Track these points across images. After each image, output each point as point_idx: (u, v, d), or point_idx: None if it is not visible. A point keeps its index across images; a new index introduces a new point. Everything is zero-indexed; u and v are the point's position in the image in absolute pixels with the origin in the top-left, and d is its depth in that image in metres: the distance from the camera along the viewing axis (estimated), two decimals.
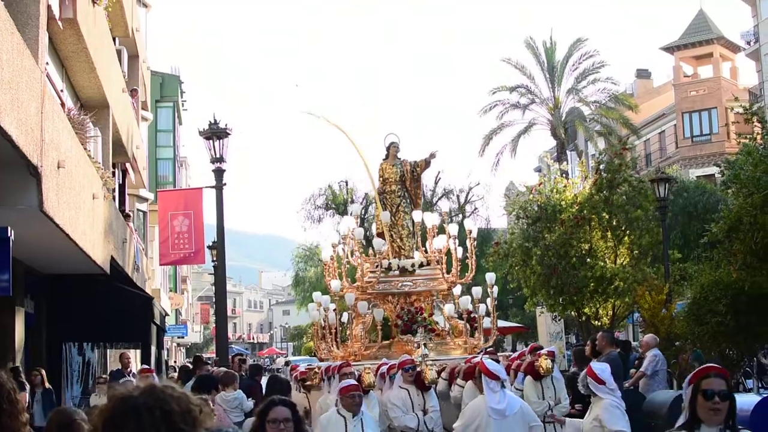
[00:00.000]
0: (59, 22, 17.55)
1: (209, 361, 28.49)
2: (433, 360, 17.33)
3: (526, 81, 59.80)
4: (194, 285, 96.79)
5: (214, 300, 39.94)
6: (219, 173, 24.92)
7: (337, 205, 69.00)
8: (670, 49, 69.32)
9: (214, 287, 37.71)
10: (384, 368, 16.16)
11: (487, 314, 20.39)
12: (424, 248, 21.44)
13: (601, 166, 33.68)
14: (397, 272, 20.62)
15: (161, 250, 33.09)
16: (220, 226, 25.67)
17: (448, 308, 20.34)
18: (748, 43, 63.05)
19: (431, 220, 21.58)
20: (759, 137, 26.36)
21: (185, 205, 31.97)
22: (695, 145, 65.77)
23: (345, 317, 20.71)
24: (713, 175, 53.60)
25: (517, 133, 59.87)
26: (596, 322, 32.87)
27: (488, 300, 20.04)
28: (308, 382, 18.45)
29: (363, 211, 68.24)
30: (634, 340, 42.34)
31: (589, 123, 58.98)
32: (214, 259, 35.33)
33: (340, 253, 21.65)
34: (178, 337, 71.90)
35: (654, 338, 22.83)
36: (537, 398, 14.84)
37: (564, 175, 36.57)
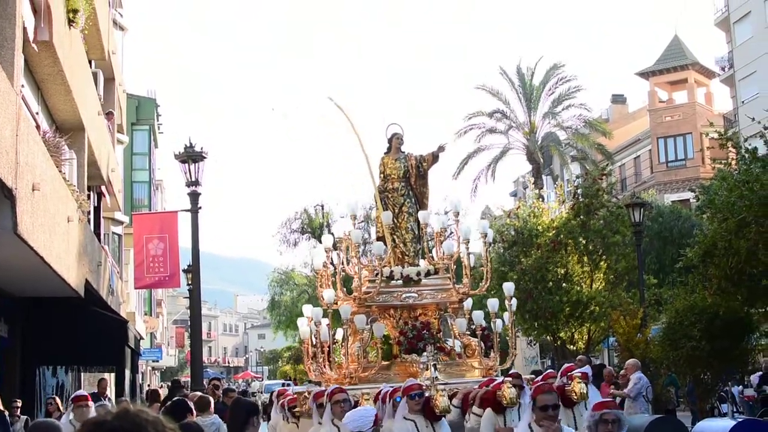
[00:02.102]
0: (34, 45, 17.51)
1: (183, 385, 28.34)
2: (444, 384, 14.96)
3: (501, 106, 59.90)
4: (169, 308, 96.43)
5: (189, 323, 39.88)
6: (194, 196, 24.85)
7: (313, 229, 69.04)
8: (645, 74, 69.67)
9: (189, 311, 37.61)
10: (386, 388, 13.82)
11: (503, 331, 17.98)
12: (430, 254, 18.91)
13: (579, 191, 33.81)
14: (399, 282, 17.94)
15: (136, 274, 32.99)
16: (195, 249, 25.58)
17: (460, 323, 17.62)
18: (723, 68, 63.43)
19: (440, 222, 19.30)
20: (734, 162, 26.51)
21: (160, 228, 31.91)
22: (670, 170, 66.04)
23: (339, 334, 18.15)
24: (688, 200, 53.86)
25: (493, 157, 59.90)
26: (571, 346, 32.93)
27: (506, 315, 17.54)
28: (297, 409, 16.34)
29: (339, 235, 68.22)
30: (609, 365, 42.44)
31: (564, 148, 59.13)
32: (189, 282, 35.18)
33: (334, 260, 18.48)
34: (153, 361, 71.64)
35: (637, 363, 22.93)
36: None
37: (540, 200, 36.71)
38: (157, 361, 74.31)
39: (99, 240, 27.55)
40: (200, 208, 25.04)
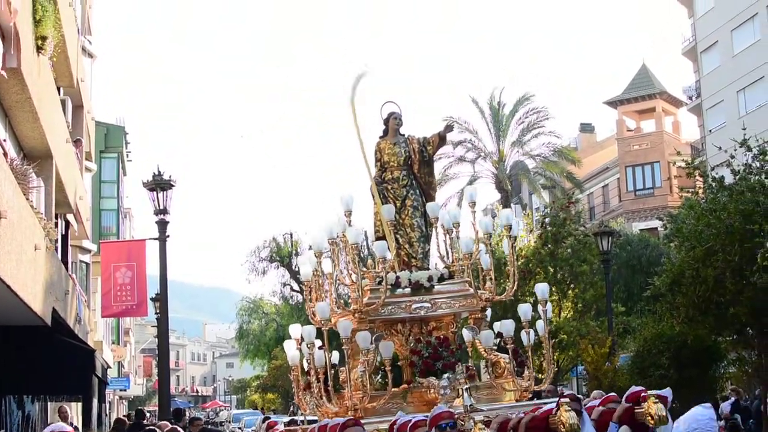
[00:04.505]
0: (3, 72, 17.43)
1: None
2: (479, 411, 12.56)
3: (470, 136, 59.94)
4: (137, 337, 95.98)
5: (157, 352, 39.72)
6: (163, 225, 24.79)
7: (282, 257, 69.14)
8: (613, 103, 70.09)
9: (157, 339, 37.45)
10: (402, 418, 11.54)
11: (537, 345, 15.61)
12: (440, 255, 15.98)
13: (546, 220, 33.90)
14: (407, 289, 14.95)
15: (103, 302, 32.82)
16: (163, 277, 25.50)
17: (486, 337, 14.59)
18: (690, 98, 63.87)
19: (453, 215, 15.86)
20: (701, 191, 26.68)
21: (128, 256, 31.78)
22: (638, 199, 66.39)
23: (335, 358, 15.42)
24: (656, 228, 54.10)
25: (461, 187, 59.88)
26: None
27: (539, 323, 14.85)
28: None
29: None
30: (578, 393, 42.48)
31: (533, 176, 59.27)
32: (157, 311, 35.04)
33: (327, 268, 15.27)
34: (121, 390, 71.19)
35: (600, 393, 22.92)
36: None
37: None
38: (125, 390, 73.86)
39: (66, 268, 27.39)
40: (168, 236, 24.99)
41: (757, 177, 24.38)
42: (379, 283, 14.67)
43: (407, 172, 16.20)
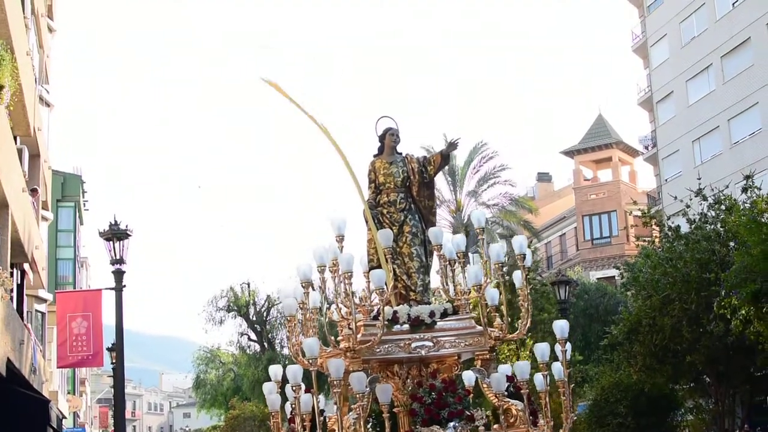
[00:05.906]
0: None
1: None
2: None
3: None
4: (93, 387, 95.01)
5: (113, 402, 39.31)
6: (119, 275, 24.61)
7: (239, 307, 68.83)
8: (570, 153, 70.51)
9: (113, 389, 37.14)
10: None
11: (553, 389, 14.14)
12: (443, 287, 14.41)
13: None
14: (406, 326, 13.38)
15: (59, 352, 32.53)
16: (119, 328, 25.29)
17: (497, 380, 13.32)
18: (646, 147, 64.22)
19: (458, 243, 14.67)
20: (657, 240, 26.89)
21: (84, 306, 31.57)
22: (595, 248, 66.69)
23: (322, 401, 13.67)
24: (614, 277, 54.32)
25: None
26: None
27: (556, 365, 13.80)
28: None
29: (265, 312, 67.91)
30: None
31: (490, 226, 59.37)
32: (113, 361, 34.78)
33: (314, 299, 13.42)
34: None
35: None
36: None
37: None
38: None
39: (22, 318, 27.16)
40: (125, 286, 24.82)
41: (712, 226, 24.61)
42: (374, 318, 13.20)
43: (405, 194, 14.66)
